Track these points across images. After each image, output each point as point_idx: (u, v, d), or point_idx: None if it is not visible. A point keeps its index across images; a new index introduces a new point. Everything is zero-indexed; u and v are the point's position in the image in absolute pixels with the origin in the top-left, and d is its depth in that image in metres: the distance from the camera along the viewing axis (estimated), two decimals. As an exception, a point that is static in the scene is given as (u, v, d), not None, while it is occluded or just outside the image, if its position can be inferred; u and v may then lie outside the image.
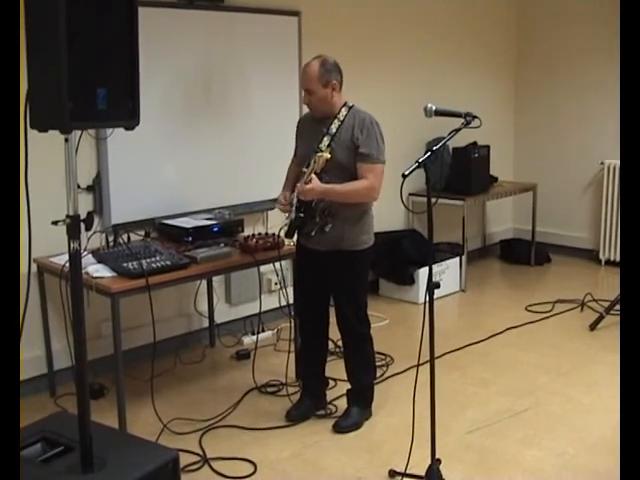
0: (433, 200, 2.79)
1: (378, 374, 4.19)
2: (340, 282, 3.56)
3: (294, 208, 3.51)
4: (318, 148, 3.42)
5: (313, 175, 3.35)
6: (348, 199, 3.43)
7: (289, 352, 4.03)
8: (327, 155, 3.29)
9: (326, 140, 3.42)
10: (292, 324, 4.02)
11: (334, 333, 3.83)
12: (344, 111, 3.47)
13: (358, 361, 3.68)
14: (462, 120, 2.92)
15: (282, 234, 3.74)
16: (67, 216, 2.42)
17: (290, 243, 3.86)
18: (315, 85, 3.39)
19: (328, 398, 3.84)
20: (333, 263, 3.52)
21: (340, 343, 4.00)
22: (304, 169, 3.44)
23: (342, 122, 3.44)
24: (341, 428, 3.60)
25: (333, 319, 3.69)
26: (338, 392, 3.91)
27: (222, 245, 3.97)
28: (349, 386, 3.74)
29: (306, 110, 3.65)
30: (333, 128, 3.44)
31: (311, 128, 3.56)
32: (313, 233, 3.48)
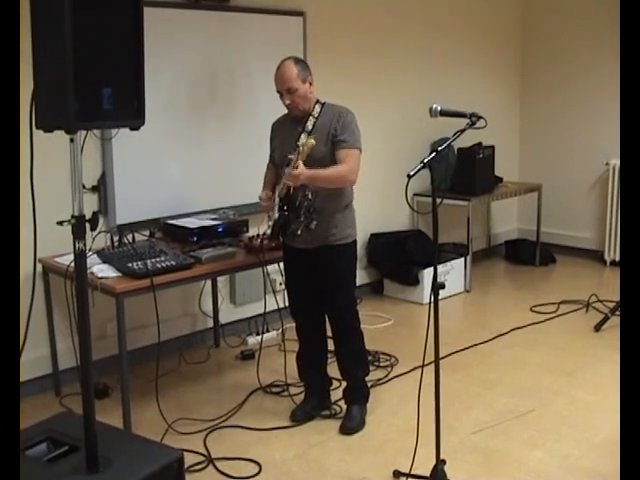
0: (438, 200, 2.78)
1: (383, 374, 4.20)
2: (331, 277, 3.57)
3: (277, 208, 3.52)
4: (297, 145, 3.42)
5: (299, 162, 3.35)
6: (331, 183, 3.45)
7: (285, 352, 4.02)
8: (312, 141, 3.27)
9: (303, 137, 3.43)
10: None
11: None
12: (317, 108, 3.50)
13: (351, 356, 3.69)
14: (467, 120, 2.91)
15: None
16: (72, 216, 2.42)
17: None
18: (296, 82, 3.42)
19: (332, 398, 3.84)
20: (322, 259, 3.54)
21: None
22: (290, 156, 3.41)
23: (317, 118, 3.47)
24: (348, 430, 3.60)
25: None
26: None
27: (227, 245, 3.98)
28: (345, 385, 3.76)
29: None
30: (309, 125, 3.47)
31: (287, 129, 3.58)
32: (299, 232, 3.48)
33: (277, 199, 3.52)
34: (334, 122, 3.44)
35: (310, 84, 3.48)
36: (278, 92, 3.48)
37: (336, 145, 3.43)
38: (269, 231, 3.63)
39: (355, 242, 3.63)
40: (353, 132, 3.46)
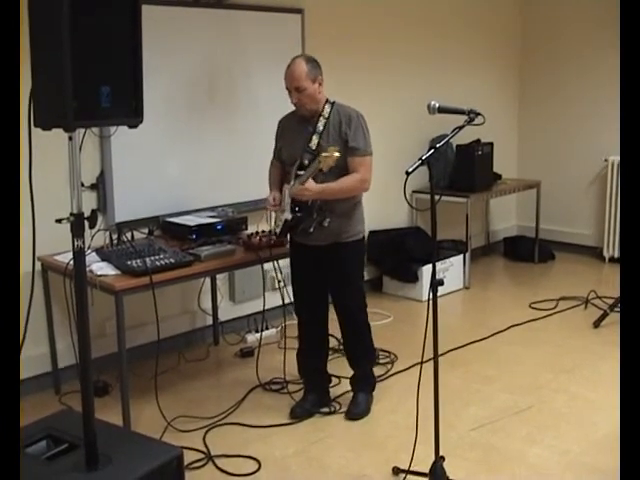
0: (437, 197, 2.79)
1: (382, 371, 4.20)
2: (342, 273, 3.61)
3: (288, 208, 3.53)
4: (308, 147, 3.45)
5: (310, 180, 3.37)
6: (343, 194, 3.48)
7: (285, 349, 4.03)
8: (337, 154, 3.22)
9: (315, 139, 3.45)
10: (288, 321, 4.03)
11: (335, 330, 3.86)
12: (327, 108, 3.50)
13: (361, 348, 3.76)
14: (465, 117, 2.92)
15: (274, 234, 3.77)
16: (71, 214, 2.43)
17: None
18: (305, 82, 3.41)
19: (331, 395, 3.85)
20: (334, 256, 3.56)
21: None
22: (298, 172, 3.46)
23: (327, 119, 3.47)
24: (354, 415, 3.66)
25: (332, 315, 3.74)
26: (341, 389, 3.92)
27: (226, 243, 3.98)
28: (352, 373, 3.81)
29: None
30: (320, 126, 3.47)
31: (295, 128, 3.58)
32: (311, 229, 3.50)
33: (289, 199, 3.52)
34: (344, 125, 3.45)
35: (320, 84, 3.47)
36: (287, 89, 3.47)
37: (349, 151, 3.42)
38: (277, 229, 3.66)
39: (364, 238, 3.68)
40: (364, 137, 3.47)
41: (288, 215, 3.55)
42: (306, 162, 3.44)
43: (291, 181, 3.53)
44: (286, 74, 3.46)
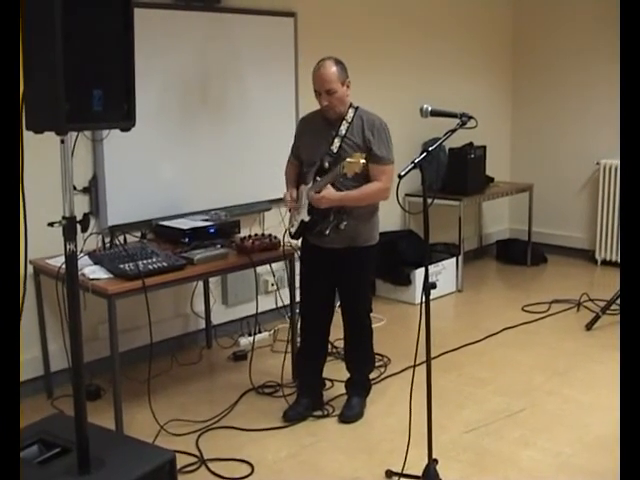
0: (429, 201, 2.79)
1: (376, 374, 4.20)
2: (356, 277, 3.62)
3: (306, 209, 3.52)
4: (330, 150, 3.43)
5: (329, 186, 3.36)
6: (363, 202, 3.48)
7: (285, 353, 4.02)
8: (363, 161, 3.17)
9: (337, 142, 3.44)
10: (289, 325, 4.03)
11: (332, 334, 3.86)
12: (350, 112, 3.49)
13: (362, 353, 3.78)
14: (458, 120, 2.93)
15: (287, 235, 3.76)
16: (63, 218, 2.42)
17: (291, 244, 3.88)
18: (336, 84, 3.40)
19: (324, 399, 3.85)
20: (348, 260, 3.57)
21: (337, 344, 4.00)
22: (318, 175, 3.45)
23: (350, 123, 3.46)
24: (347, 418, 3.66)
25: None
26: (335, 393, 3.92)
27: (218, 246, 3.97)
28: (348, 376, 3.82)
29: (303, 111, 3.64)
30: (342, 130, 3.46)
31: (318, 129, 3.55)
32: (327, 232, 3.50)
33: (306, 200, 3.52)
34: (367, 131, 3.45)
35: (347, 86, 3.46)
36: (315, 91, 3.45)
37: (371, 158, 3.39)
38: (292, 229, 3.66)
39: (378, 244, 3.67)
40: (387, 145, 3.48)
41: (305, 216, 3.54)
42: (326, 165, 3.43)
43: (309, 182, 3.52)
44: (315, 76, 3.43)
